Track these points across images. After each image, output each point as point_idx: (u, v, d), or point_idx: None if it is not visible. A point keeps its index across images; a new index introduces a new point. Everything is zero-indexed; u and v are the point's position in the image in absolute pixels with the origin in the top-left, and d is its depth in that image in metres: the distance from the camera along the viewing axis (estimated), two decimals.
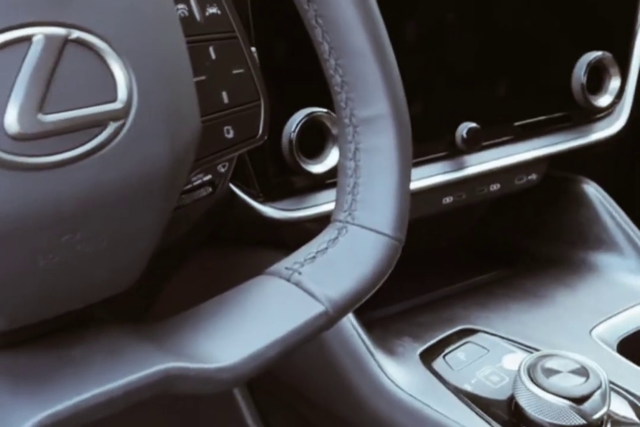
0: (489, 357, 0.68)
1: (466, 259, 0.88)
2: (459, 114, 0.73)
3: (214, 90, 0.39)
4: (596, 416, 0.59)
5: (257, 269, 0.72)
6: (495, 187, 0.79)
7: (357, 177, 0.44)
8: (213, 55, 0.39)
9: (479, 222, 0.90)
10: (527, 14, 0.75)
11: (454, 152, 0.73)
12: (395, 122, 0.44)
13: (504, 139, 0.76)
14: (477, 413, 0.62)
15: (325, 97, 0.65)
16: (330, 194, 0.68)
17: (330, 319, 0.43)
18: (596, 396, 0.59)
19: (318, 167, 0.65)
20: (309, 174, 0.65)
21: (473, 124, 0.72)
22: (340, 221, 0.45)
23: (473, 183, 0.77)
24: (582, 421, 0.58)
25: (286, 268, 0.44)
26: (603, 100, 0.79)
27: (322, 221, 0.69)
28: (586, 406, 0.59)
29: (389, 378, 0.65)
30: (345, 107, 0.44)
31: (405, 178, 0.44)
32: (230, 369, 0.39)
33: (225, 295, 0.43)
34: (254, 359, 0.40)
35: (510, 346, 0.69)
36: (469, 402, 0.63)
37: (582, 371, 0.60)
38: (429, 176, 0.72)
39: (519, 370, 0.61)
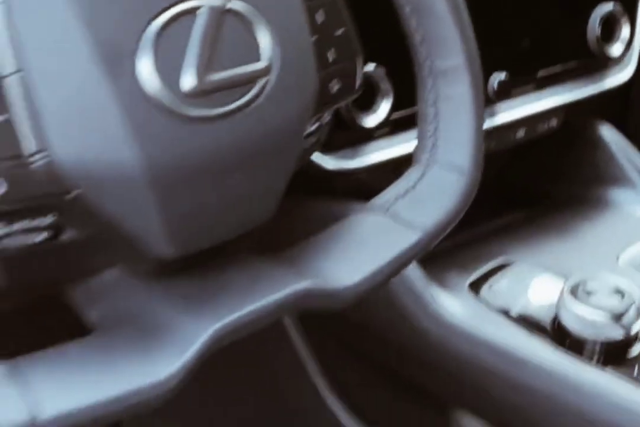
0: (529, 285, 0.75)
1: (493, 202, 0.95)
2: (489, 65, 0.79)
3: (322, 49, 0.45)
4: (634, 330, 0.67)
5: (315, 215, 0.78)
6: (520, 134, 0.85)
7: (438, 122, 0.51)
8: (321, 18, 0.45)
9: (503, 168, 0.97)
10: None
11: (485, 103, 0.80)
12: (471, 73, 0.50)
13: (528, 87, 0.83)
14: (525, 332, 0.70)
15: (374, 52, 0.71)
16: (379, 145, 0.75)
17: (424, 245, 0.50)
18: (632, 310, 0.67)
19: (370, 120, 0.72)
20: (361, 126, 0.71)
21: (503, 77, 0.79)
22: (423, 162, 0.51)
23: (502, 131, 0.83)
24: (622, 332, 0.66)
25: (382, 204, 0.50)
26: (616, 49, 0.86)
27: (373, 171, 0.76)
28: (624, 320, 0.66)
29: (443, 306, 0.72)
30: (426, 60, 0.50)
31: (480, 122, 0.51)
32: (353, 288, 0.46)
33: (333, 228, 0.50)
34: (370, 280, 0.47)
35: (547, 274, 0.77)
36: (517, 323, 0.71)
37: (618, 290, 0.68)
38: None
39: (561, 292, 0.69)
